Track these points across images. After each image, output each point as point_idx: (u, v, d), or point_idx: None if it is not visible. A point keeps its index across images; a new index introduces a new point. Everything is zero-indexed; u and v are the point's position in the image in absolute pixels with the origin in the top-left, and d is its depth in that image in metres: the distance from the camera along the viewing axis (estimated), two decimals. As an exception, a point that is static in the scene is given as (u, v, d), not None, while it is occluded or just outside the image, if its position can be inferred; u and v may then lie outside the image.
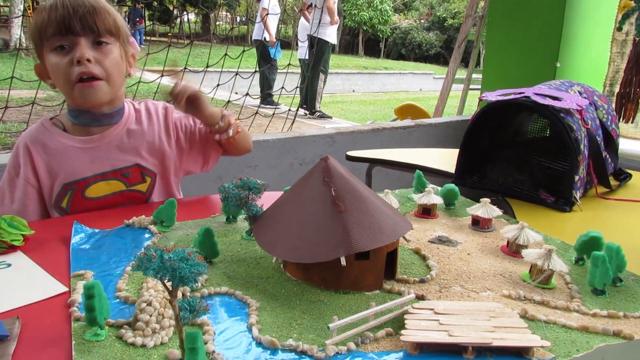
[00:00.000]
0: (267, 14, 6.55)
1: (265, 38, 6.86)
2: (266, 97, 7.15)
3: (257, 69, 3.51)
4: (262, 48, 6.92)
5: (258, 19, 6.88)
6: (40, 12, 1.13)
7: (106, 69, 1.15)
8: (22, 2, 11.00)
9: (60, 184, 1.21)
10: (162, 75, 3.50)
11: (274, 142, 2.71)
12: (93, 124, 1.23)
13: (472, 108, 6.59)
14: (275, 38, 7.07)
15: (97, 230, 1.03)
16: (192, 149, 1.36)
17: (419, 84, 15.63)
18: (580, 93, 1.50)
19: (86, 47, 1.12)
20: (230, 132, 1.28)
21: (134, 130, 1.27)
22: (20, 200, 1.20)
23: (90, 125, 1.23)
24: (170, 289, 0.59)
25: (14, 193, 1.20)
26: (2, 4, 17.19)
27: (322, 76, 6.70)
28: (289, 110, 3.65)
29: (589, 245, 0.93)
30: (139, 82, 3.15)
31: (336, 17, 6.55)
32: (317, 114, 6.94)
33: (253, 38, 7.16)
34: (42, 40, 1.14)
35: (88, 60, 1.11)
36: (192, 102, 1.20)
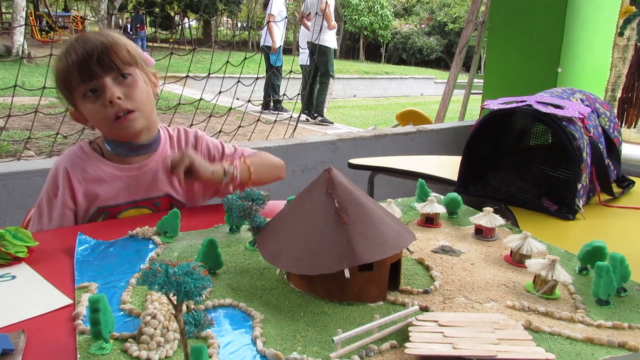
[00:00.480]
0: (269, 21, 6.57)
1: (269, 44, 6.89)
2: (275, 104, 7.22)
3: (259, 75, 3.51)
4: (266, 54, 6.95)
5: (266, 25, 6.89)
6: (59, 62, 1.16)
7: (136, 100, 1.17)
8: (25, 9, 11.06)
9: (95, 207, 1.24)
10: (164, 82, 3.51)
11: (275, 149, 2.72)
12: (131, 154, 1.26)
13: (473, 113, 6.59)
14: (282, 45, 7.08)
15: (101, 241, 1.03)
16: None
17: (420, 88, 15.65)
18: (582, 101, 1.50)
19: (113, 86, 1.14)
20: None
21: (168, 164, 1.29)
22: (57, 221, 1.22)
23: (128, 156, 1.26)
24: (175, 303, 0.60)
25: (51, 213, 1.23)
26: (4, 11, 17.29)
27: (331, 80, 6.77)
28: (291, 116, 3.66)
29: (593, 255, 0.93)
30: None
31: (333, 22, 6.57)
32: (319, 119, 6.96)
33: (261, 44, 7.15)
34: (70, 91, 1.17)
35: (118, 98, 1.14)
36: (189, 171, 1.20)
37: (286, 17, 6.76)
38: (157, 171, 1.28)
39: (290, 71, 3.86)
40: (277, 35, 6.87)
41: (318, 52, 6.33)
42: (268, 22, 6.54)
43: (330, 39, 6.64)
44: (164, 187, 1.29)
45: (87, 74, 1.12)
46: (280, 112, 6.54)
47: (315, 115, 6.94)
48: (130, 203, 1.25)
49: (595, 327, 0.77)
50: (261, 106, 6.98)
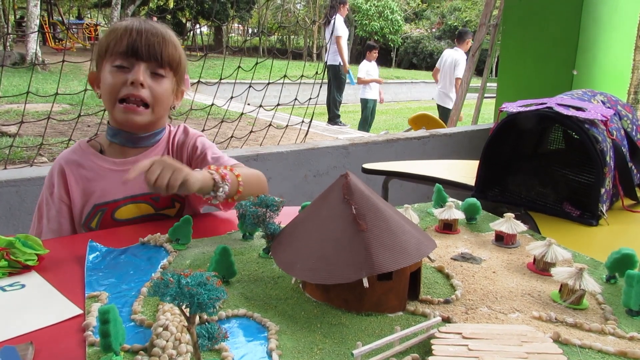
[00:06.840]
0: (339, 43, 6.88)
1: (339, 64, 7.17)
2: (335, 118, 7.56)
3: (270, 81, 3.47)
4: (335, 73, 7.26)
5: (332, 46, 7.05)
6: (116, 30, 1.16)
7: (155, 96, 1.17)
8: (38, 17, 11.18)
9: (91, 205, 1.22)
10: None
11: (287, 154, 2.70)
12: (128, 145, 1.24)
13: (485, 117, 6.52)
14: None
15: (112, 249, 1.01)
16: None
17: (431, 93, 15.54)
18: (603, 103, 1.46)
19: (144, 72, 1.15)
20: (223, 196, 1.12)
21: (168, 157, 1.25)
22: (55, 219, 1.21)
23: (126, 146, 1.24)
24: (188, 315, 0.57)
25: (49, 212, 1.21)
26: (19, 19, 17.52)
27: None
28: (302, 121, 3.64)
29: (622, 262, 0.89)
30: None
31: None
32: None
33: (328, 63, 7.21)
34: (107, 53, 1.17)
35: (142, 84, 1.14)
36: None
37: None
38: None
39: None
40: (346, 56, 7.17)
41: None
42: (337, 43, 6.88)
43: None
44: None
45: (132, 50, 1.14)
46: (340, 126, 7.26)
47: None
48: (128, 198, 1.22)
49: (628, 339, 0.73)
50: (327, 120, 7.63)
